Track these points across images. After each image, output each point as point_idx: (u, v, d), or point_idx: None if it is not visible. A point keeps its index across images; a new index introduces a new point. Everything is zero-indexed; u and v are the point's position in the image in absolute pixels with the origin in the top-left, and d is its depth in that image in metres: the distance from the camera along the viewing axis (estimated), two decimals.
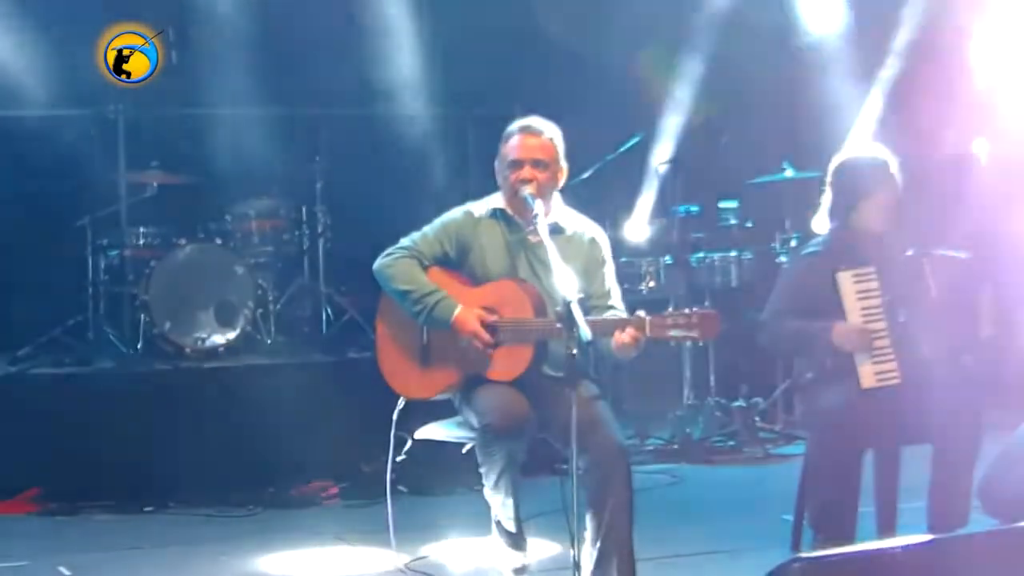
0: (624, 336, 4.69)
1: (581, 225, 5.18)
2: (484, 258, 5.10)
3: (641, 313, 4.72)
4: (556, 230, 5.03)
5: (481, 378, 4.98)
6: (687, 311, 4.66)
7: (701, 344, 8.26)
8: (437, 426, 5.28)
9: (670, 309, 4.72)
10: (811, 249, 5.49)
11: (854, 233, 5.37)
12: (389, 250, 5.15)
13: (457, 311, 4.97)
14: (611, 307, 5.08)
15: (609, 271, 5.17)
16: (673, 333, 4.64)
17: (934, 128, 9.22)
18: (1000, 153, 9.07)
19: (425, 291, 5.02)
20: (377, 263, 5.14)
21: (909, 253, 5.31)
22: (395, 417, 5.22)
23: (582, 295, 4.62)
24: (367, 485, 6.99)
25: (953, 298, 5.24)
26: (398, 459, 5.33)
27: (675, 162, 8.60)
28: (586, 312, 4.85)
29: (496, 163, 5.17)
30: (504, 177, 5.09)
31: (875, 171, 5.38)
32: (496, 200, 5.17)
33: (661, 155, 8.83)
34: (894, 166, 5.40)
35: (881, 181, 5.35)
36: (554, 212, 5.10)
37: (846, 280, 5.23)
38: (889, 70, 9.03)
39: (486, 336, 4.94)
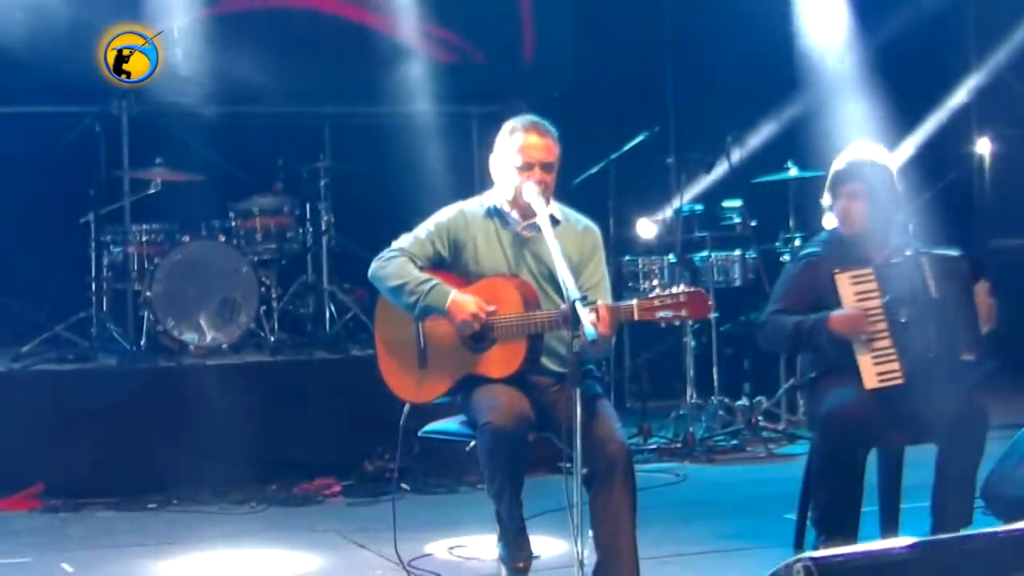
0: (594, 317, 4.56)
1: (572, 216, 5.19)
2: (477, 255, 5.07)
3: (632, 302, 4.71)
4: (552, 222, 5.00)
5: (480, 377, 4.96)
6: (674, 291, 4.65)
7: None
8: (440, 424, 5.28)
9: (656, 291, 4.70)
10: (811, 249, 5.49)
11: (853, 233, 5.36)
12: (381, 254, 5.11)
13: (452, 295, 4.92)
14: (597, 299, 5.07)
15: (600, 261, 5.16)
16: (662, 315, 4.63)
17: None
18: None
19: (419, 280, 4.98)
20: (371, 268, 5.10)
21: (908, 253, 5.30)
22: (402, 422, 5.18)
23: (585, 293, 4.61)
24: (370, 483, 7.02)
25: (954, 296, 5.24)
26: (402, 457, 5.30)
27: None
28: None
29: (494, 159, 5.12)
30: (510, 176, 5.04)
31: (872, 175, 5.36)
32: (492, 197, 5.14)
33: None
34: (894, 168, 5.40)
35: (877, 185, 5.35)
36: (549, 207, 5.08)
37: (844, 281, 5.22)
38: None
39: (483, 314, 4.87)
